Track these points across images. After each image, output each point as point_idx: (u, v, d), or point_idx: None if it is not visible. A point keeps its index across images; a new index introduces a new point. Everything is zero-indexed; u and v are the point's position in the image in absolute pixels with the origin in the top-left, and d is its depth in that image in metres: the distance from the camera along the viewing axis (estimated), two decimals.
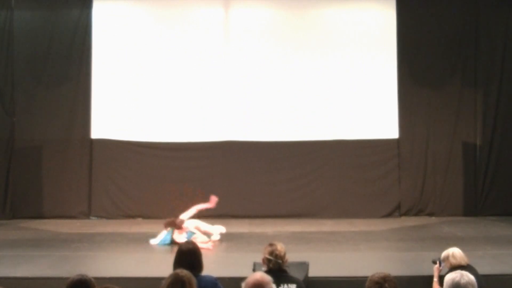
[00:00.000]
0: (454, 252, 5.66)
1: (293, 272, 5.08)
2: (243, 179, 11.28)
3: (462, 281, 3.59)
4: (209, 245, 8.47)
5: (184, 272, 3.77)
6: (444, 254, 5.74)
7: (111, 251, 8.55)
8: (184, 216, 8.84)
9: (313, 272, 6.28)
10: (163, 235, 8.73)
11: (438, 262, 5.84)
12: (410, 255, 7.94)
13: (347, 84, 11.53)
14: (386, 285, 3.51)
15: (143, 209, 11.40)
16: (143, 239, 9.33)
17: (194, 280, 3.76)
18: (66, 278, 3.88)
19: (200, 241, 8.16)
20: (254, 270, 5.63)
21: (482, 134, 11.52)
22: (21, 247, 8.50)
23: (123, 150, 11.50)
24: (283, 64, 11.53)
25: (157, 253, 8.15)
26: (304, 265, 6.21)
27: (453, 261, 5.58)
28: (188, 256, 4.54)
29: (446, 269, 5.58)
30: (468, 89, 11.56)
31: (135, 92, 11.51)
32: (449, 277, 3.67)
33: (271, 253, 4.83)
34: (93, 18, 11.53)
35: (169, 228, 8.69)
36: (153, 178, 11.44)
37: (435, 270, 5.85)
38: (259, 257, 5.05)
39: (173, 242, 8.52)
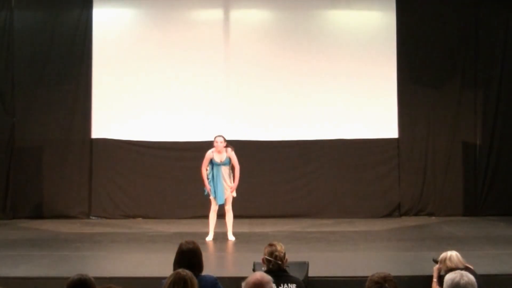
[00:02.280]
0: (452, 255, 5.63)
1: (293, 272, 5.08)
2: (243, 179, 11.23)
3: (462, 281, 3.57)
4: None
5: (185, 271, 3.78)
6: (441, 256, 5.72)
7: (111, 251, 8.55)
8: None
9: (313, 272, 6.28)
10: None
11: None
12: (410, 255, 7.94)
13: (347, 84, 11.52)
14: (386, 285, 3.50)
15: (143, 209, 11.41)
16: (143, 239, 9.35)
17: (195, 280, 3.76)
18: (66, 278, 3.88)
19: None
20: (254, 270, 5.63)
21: (482, 134, 11.51)
22: (21, 247, 8.50)
23: (123, 150, 11.50)
24: (283, 64, 11.52)
25: (157, 253, 8.15)
26: (304, 265, 6.21)
27: (449, 264, 5.56)
28: (188, 256, 4.54)
29: (443, 272, 5.57)
30: (468, 89, 11.56)
31: (135, 92, 11.50)
32: (449, 277, 3.66)
33: (270, 254, 4.83)
34: (93, 18, 11.52)
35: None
36: (153, 178, 11.44)
37: (435, 270, 5.85)
38: (259, 257, 5.05)
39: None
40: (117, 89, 11.51)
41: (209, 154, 9.15)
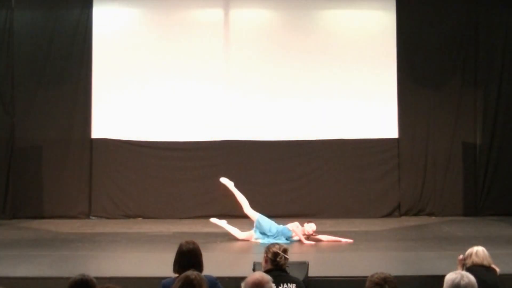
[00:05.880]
0: (478, 251, 5.54)
1: (293, 272, 5.09)
2: (243, 179, 11.25)
3: (462, 282, 3.55)
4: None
5: (194, 275, 3.72)
6: (468, 251, 5.61)
7: (111, 251, 8.55)
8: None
9: (313, 272, 6.28)
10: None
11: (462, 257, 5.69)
12: (410, 255, 7.94)
13: (347, 84, 11.52)
14: (387, 286, 3.49)
15: (143, 209, 11.41)
16: (143, 239, 9.34)
17: (204, 281, 3.72)
18: (66, 278, 3.89)
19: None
20: (254, 270, 5.63)
21: (482, 134, 11.51)
22: (21, 247, 8.50)
23: (123, 150, 11.49)
24: (283, 64, 11.52)
25: (157, 253, 8.14)
26: (304, 265, 6.21)
27: (475, 259, 5.48)
28: (188, 256, 4.54)
29: (468, 265, 5.49)
30: (468, 89, 11.56)
31: (135, 92, 11.50)
32: (449, 277, 3.63)
33: (279, 249, 4.85)
34: (93, 18, 11.52)
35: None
36: (153, 178, 11.44)
37: (459, 261, 5.69)
38: (259, 257, 5.05)
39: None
40: (117, 89, 11.51)
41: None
